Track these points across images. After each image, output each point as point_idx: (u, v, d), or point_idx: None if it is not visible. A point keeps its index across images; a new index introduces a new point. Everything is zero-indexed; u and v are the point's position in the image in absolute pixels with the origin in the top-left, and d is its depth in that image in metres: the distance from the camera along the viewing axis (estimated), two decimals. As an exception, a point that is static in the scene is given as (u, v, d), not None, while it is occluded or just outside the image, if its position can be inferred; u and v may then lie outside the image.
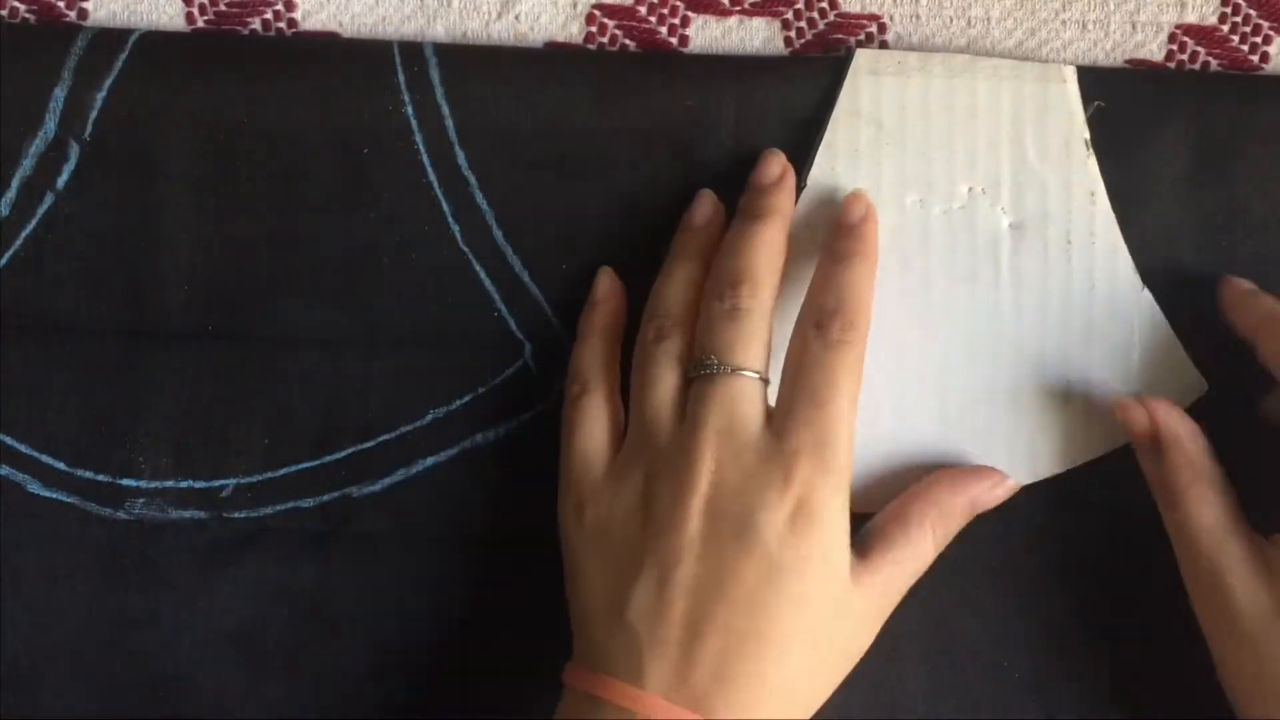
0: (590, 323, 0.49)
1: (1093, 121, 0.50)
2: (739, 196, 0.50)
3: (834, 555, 0.44)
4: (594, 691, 0.44)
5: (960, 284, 0.50)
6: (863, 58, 0.50)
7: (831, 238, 0.48)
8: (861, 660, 0.46)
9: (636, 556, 0.44)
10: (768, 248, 0.47)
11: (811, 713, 0.45)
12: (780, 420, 0.45)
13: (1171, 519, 0.46)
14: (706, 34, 0.51)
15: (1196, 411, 0.48)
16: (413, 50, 0.50)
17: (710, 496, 0.44)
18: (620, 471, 0.46)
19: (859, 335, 0.45)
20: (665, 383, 0.46)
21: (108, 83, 0.49)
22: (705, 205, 0.49)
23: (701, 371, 0.45)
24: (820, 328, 0.45)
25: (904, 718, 0.50)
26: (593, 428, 0.47)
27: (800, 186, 0.50)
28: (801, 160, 0.50)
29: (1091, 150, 0.50)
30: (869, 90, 0.50)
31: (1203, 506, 0.45)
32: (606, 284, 0.49)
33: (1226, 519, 0.45)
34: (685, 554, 0.44)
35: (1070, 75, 0.50)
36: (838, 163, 0.50)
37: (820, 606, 0.44)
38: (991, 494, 0.48)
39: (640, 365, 0.47)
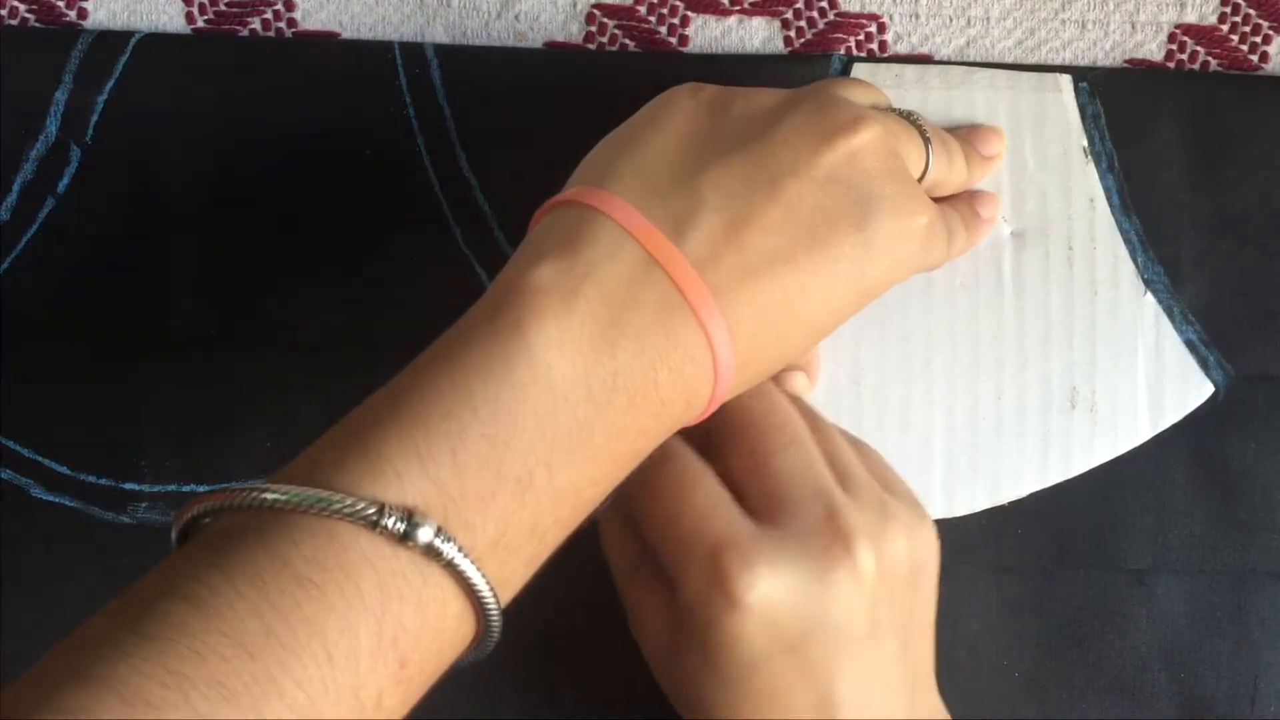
0: None
1: (1090, 127, 0.50)
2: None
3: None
4: (615, 216, 0.38)
5: (962, 291, 0.50)
6: (860, 71, 0.50)
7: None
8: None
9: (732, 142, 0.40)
10: None
11: (810, 345, 0.42)
12: None
13: None
14: (706, 34, 0.51)
15: (1200, 412, 0.49)
16: (414, 52, 0.50)
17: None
18: None
19: None
20: None
21: (108, 86, 0.49)
22: None
23: None
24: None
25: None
26: None
27: None
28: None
29: (1090, 157, 0.50)
30: None
31: None
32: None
33: None
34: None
35: (1066, 84, 0.50)
36: None
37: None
38: None
39: None
